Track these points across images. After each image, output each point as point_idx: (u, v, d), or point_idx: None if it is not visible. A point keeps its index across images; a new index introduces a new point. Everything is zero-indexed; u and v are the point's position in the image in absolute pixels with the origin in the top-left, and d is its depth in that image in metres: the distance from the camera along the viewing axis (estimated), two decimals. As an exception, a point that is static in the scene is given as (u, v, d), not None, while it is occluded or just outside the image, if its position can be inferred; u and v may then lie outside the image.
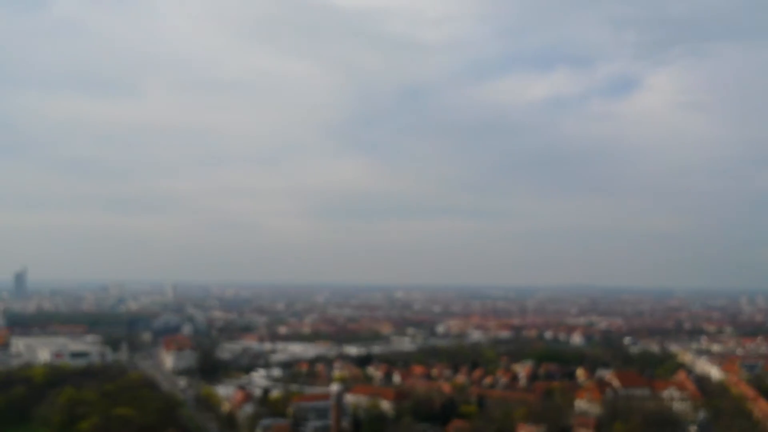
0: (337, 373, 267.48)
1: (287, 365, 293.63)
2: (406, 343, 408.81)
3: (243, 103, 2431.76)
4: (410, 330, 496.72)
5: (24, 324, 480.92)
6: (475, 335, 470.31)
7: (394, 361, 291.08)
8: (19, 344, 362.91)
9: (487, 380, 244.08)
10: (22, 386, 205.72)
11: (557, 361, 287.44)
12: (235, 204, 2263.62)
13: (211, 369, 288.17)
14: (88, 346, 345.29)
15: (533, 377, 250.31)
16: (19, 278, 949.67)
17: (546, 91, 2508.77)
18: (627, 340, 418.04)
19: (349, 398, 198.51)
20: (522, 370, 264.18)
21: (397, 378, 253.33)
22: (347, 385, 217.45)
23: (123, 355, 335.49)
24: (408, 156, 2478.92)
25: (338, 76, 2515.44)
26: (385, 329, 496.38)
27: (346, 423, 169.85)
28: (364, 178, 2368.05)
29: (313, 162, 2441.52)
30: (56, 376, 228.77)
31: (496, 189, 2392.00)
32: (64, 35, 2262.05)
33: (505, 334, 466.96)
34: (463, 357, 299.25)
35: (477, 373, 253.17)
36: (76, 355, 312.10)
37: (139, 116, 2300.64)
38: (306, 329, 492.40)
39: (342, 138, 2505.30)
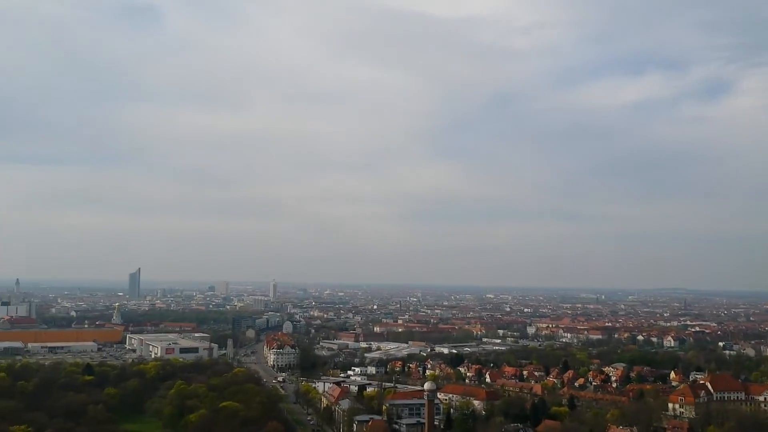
0: (429, 371, 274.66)
1: (382, 363, 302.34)
2: (497, 344, 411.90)
3: (341, 112, 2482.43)
4: (501, 331, 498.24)
5: (138, 321, 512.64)
6: (566, 337, 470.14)
7: (485, 361, 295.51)
8: (133, 340, 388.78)
9: (579, 382, 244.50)
10: (136, 380, 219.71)
11: (650, 364, 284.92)
12: (332, 208, 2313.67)
13: (309, 366, 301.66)
14: (197, 342, 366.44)
15: (625, 380, 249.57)
16: (133, 279, 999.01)
17: (637, 95, 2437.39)
18: (721, 343, 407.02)
19: (441, 396, 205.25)
20: (614, 372, 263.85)
21: (488, 378, 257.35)
22: (439, 383, 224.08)
23: (228, 351, 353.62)
24: (499, 161, 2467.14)
25: (431, 84, 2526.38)
26: (477, 330, 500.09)
27: (438, 421, 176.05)
28: (457, 183, 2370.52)
29: (407, 168, 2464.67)
30: (167, 371, 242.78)
31: (587, 192, 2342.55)
32: (176, 51, 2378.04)
33: (596, 336, 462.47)
34: (554, 358, 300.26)
35: (568, 374, 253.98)
36: (185, 350, 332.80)
37: (245, 126, 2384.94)
38: (399, 329, 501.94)
39: (435, 144, 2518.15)
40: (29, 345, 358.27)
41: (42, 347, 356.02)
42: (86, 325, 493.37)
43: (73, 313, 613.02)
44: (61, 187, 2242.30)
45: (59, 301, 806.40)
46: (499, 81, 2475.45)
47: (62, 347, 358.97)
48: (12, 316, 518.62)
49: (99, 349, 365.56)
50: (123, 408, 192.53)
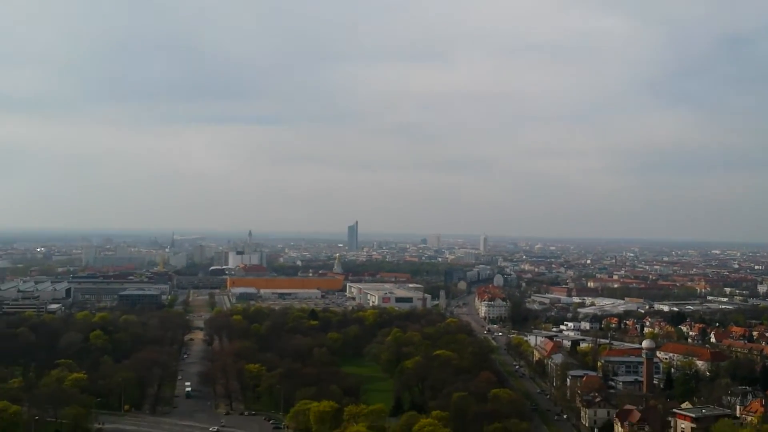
0: (647, 329, 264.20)
1: (596, 319, 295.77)
2: (723, 303, 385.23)
3: (555, 64, 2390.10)
4: (728, 289, 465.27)
5: (356, 271, 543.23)
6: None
7: (709, 321, 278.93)
8: (352, 289, 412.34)
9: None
10: (356, 326, 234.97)
11: None
12: (543, 163, 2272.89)
13: (520, 319, 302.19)
14: (411, 292, 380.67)
15: None
16: (352, 231, 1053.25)
17: None
18: None
19: (661, 355, 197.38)
20: None
21: (713, 337, 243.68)
22: (659, 342, 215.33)
23: (441, 302, 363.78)
24: (729, 108, 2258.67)
25: (654, 29, 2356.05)
26: (700, 287, 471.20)
27: (657, 380, 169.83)
28: (681, 133, 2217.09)
29: (625, 119, 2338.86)
30: (384, 319, 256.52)
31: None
32: (386, 11, 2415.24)
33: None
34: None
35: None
36: (400, 300, 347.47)
37: (454, 83, 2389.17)
38: (615, 284, 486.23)
39: (657, 92, 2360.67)
40: (261, 291, 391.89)
41: (272, 293, 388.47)
42: (310, 274, 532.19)
43: (299, 263, 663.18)
44: (285, 146, 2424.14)
45: (286, 251, 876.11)
46: (730, 22, 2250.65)
47: (290, 293, 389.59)
48: (246, 265, 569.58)
49: (322, 296, 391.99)
50: (344, 351, 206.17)
